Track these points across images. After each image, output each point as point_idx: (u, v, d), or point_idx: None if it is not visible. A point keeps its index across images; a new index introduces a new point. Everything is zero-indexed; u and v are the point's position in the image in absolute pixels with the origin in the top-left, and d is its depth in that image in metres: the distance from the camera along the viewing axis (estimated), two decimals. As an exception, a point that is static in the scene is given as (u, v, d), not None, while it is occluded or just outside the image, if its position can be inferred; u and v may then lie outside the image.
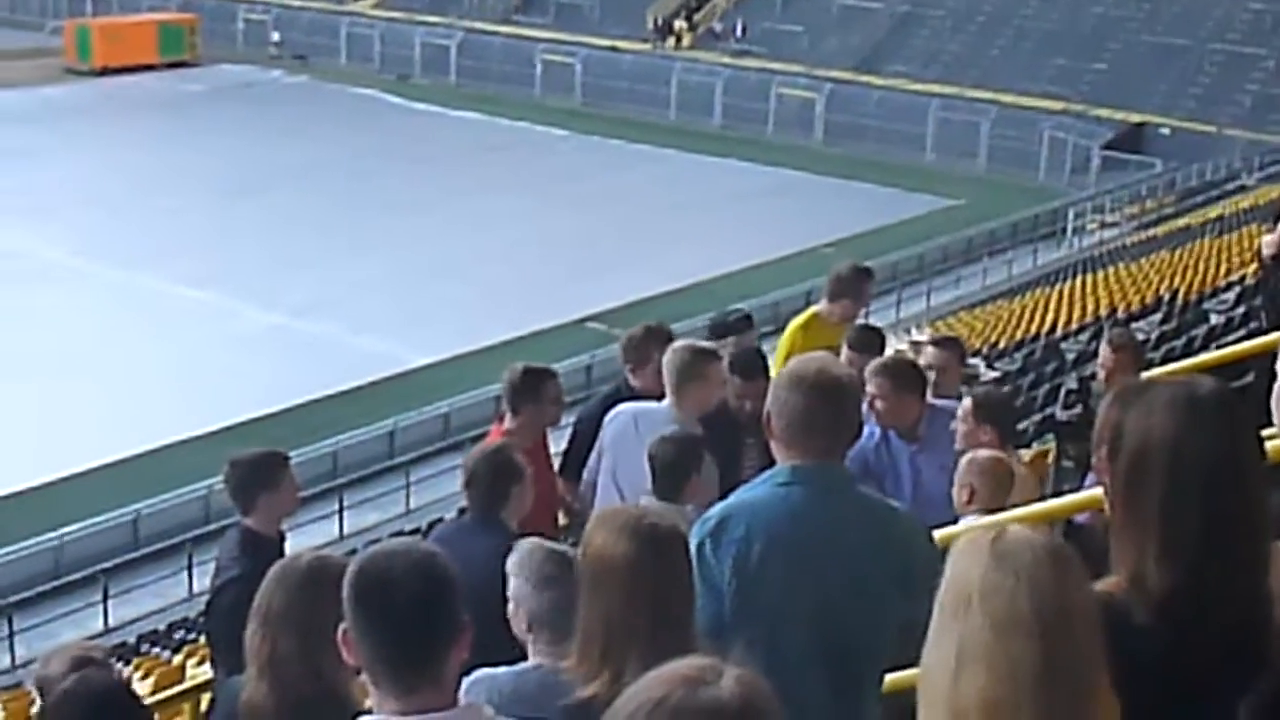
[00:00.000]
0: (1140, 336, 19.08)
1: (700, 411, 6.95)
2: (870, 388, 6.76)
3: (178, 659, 16.69)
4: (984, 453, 6.38)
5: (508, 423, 7.40)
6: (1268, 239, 10.37)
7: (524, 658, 4.14)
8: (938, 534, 4.61)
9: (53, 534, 22.11)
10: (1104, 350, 7.85)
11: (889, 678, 4.17)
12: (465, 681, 3.52)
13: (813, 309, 8.89)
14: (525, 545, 4.31)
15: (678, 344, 7.27)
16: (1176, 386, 3.02)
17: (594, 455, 7.24)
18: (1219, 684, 2.84)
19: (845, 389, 4.28)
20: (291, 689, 3.88)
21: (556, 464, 7.67)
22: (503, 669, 4.03)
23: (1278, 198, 11.84)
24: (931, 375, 7.80)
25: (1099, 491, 3.26)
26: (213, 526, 20.47)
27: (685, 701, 2.13)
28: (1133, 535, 2.94)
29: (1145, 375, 7.49)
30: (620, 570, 3.64)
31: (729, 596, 4.07)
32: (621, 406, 7.27)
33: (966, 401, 6.85)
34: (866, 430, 6.37)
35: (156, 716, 7.51)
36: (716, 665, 2.19)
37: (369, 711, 3.10)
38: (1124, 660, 2.65)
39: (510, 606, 4.17)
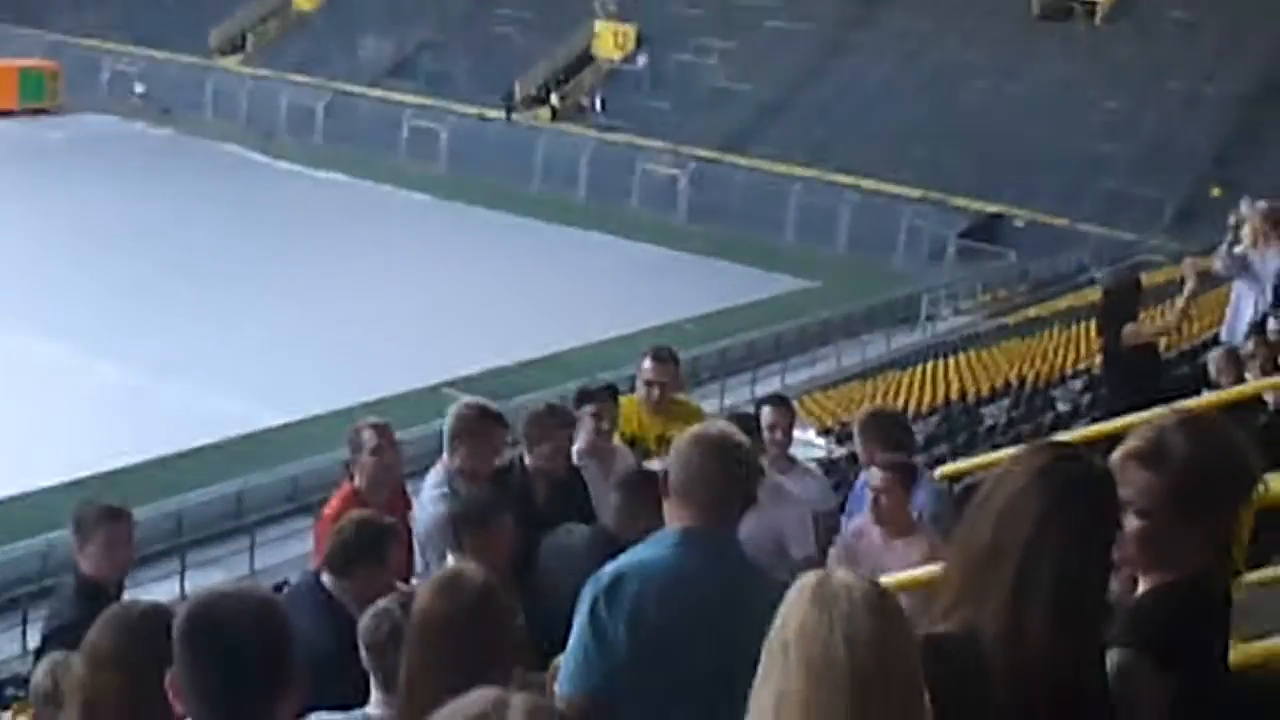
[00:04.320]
0: (989, 421, 19.45)
1: (474, 471, 7.09)
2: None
3: (8, 715, 16.23)
4: None
5: (358, 480, 7.53)
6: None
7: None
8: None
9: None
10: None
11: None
12: None
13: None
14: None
15: (463, 400, 7.55)
16: (1049, 456, 3.07)
17: None
18: None
19: (745, 453, 4.35)
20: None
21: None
22: (338, 714, 4.12)
23: (1100, 300, 12.00)
24: (768, 435, 8.12)
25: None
26: (49, 582, 19.95)
27: None
28: (980, 588, 2.95)
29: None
30: (437, 625, 3.82)
31: (623, 653, 4.04)
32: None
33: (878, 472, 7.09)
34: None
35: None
36: (504, 697, 2.17)
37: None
38: (956, 702, 2.65)
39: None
